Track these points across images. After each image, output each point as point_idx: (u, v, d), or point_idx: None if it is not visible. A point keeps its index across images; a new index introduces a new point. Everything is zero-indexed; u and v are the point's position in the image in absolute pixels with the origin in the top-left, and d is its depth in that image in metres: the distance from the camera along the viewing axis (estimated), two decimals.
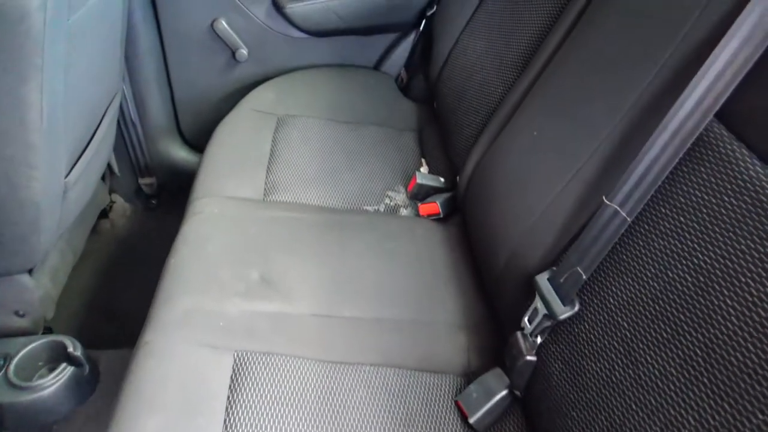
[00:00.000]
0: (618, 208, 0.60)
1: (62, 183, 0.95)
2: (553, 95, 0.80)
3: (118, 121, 1.35)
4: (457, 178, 1.06)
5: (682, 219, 0.54)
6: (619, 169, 0.63)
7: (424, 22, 1.39)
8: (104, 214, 1.50)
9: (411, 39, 1.45)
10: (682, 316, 0.51)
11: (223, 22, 1.34)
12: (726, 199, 0.51)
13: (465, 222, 1.01)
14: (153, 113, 1.43)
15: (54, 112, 0.82)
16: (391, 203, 1.09)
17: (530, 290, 0.72)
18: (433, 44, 1.32)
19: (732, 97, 0.52)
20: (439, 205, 1.03)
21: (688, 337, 0.50)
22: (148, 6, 1.29)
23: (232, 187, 1.04)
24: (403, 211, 1.08)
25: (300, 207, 1.02)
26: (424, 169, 1.20)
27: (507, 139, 0.88)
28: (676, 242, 0.54)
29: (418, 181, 1.08)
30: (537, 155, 0.78)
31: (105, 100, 1.12)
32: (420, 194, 1.10)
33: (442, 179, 1.10)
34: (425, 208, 1.05)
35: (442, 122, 1.23)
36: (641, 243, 0.58)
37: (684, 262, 0.53)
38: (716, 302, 0.49)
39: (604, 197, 0.62)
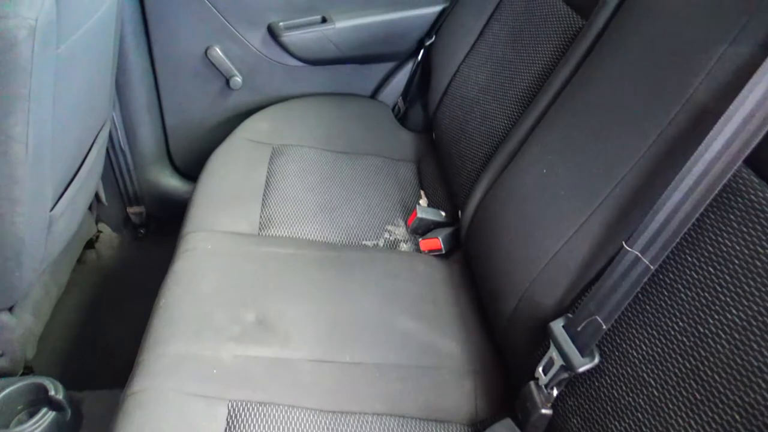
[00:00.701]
0: (639, 255, 0.57)
1: (47, 216, 0.90)
2: (563, 133, 0.77)
3: (107, 149, 1.31)
4: (459, 212, 1.03)
5: (711, 270, 0.51)
6: (639, 213, 0.61)
7: (422, 51, 1.37)
8: (90, 244, 1.44)
9: (408, 68, 1.43)
10: (717, 377, 0.48)
11: (218, 50, 1.31)
12: (760, 249, 0.48)
13: (468, 259, 0.97)
14: (143, 141, 1.39)
15: (40, 145, 0.78)
16: (391, 238, 1.05)
17: (543, 337, 0.69)
18: (432, 74, 1.30)
19: (763, 142, 0.49)
20: (440, 240, 1.00)
21: (725, 399, 0.47)
22: (140, 33, 1.26)
23: (225, 220, 1.00)
24: (403, 246, 1.04)
25: (297, 242, 0.98)
26: (423, 201, 1.17)
27: (513, 175, 0.85)
28: (706, 294, 0.51)
29: (419, 215, 1.05)
30: (547, 194, 0.75)
31: (94, 129, 1.08)
32: (420, 228, 1.07)
33: (443, 213, 1.07)
34: (426, 243, 1.02)
35: (442, 154, 1.20)
36: (666, 294, 0.55)
37: (716, 317, 0.49)
38: (755, 363, 0.45)
39: (623, 242, 0.59)
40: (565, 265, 0.68)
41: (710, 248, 0.52)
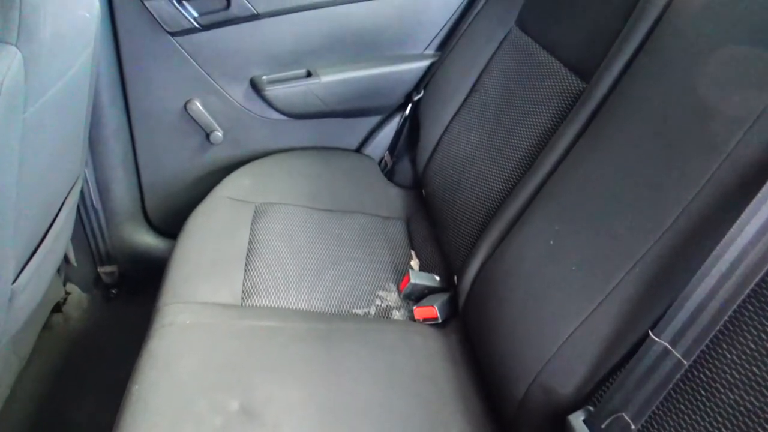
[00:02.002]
0: (669, 347, 0.52)
1: (8, 290, 0.82)
2: (571, 201, 0.73)
3: (78, 207, 1.23)
4: (455, 277, 0.97)
5: (756, 371, 0.46)
6: (664, 297, 0.56)
7: (410, 106, 1.34)
8: (57, 307, 1.35)
9: (396, 121, 1.40)
10: None
11: (198, 104, 1.26)
12: None
13: (467, 330, 0.91)
14: (117, 198, 1.32)
15: (4, 213, 0.71)
16: (383, 305, 0.99)
17: (560, 429, 0.63)
18: (421, 129, 1.26)
19: None
20: (437, 309, 0.94)
21: None
22: (117, 87, 1.21)
23: (205, 290, 0.93)
24: (396, 314, 0.98)
25: (282, 313, 0.91)
26: (414, 262, 1.11)
27: (517, 244, 0.80)
28: (752, 399, 0.46)
29: (412, 280, 0.99)
30: (556, 268, 0.70)
31: (64, 190, 1.01)
32: (414, 294, 1.01)
33: (437, 278, 1.02)
34: (421, 311, 0.96)
35: (434, 213, 1.15)
36: (704, 393, 0.50)
37: (765, 425, 0.44)
38: None
39: (650, 330, 0.54)
40: (583, 349, 0.62)
41: (752, 345, 0.47)
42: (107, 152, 1.25)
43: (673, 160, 0.61)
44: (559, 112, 0.87)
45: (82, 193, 1.24)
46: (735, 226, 0.49)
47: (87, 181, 1.24)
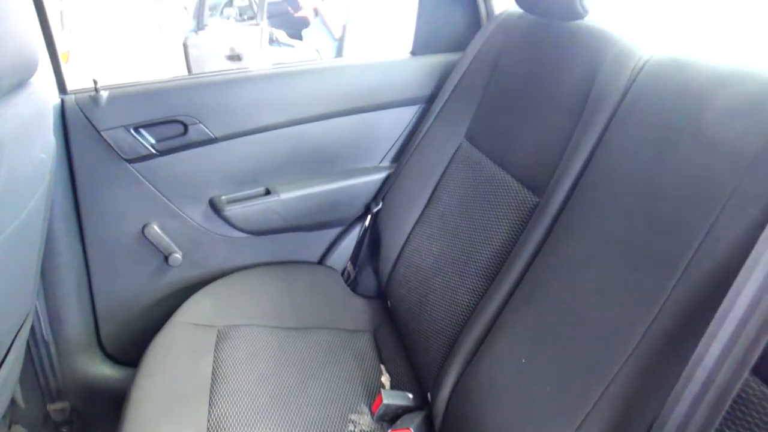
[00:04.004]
0: None
1: None
2: (537, 320, 0.74)
3: (27, 343, 1.17)
4: (428, 394, 0.95)
5: None
6: (645, 417, 0.56)
7: (369, 216, 1.36)
8: None
9: (356, 232, 1.41)
10: None
11: (156, 227, 1.25)
12: None
13: None
14: (70, 328, 1.26)
15: None
16: (356, 430, 0.95)
17: None
18: (382, 240, 1.28)
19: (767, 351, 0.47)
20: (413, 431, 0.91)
21: None
22: (71, 216, 1.19)
23: (168, 430, 0.88)
24: None
25: None
26: (385, 378, 1.08)
27: (489, 361, 0.79)
28: None
29: (384, 401, 0.96)
30: (532, 387, 0.70)
31: (12, 331, 0.95)
32: (387, 415, 0.97)
33: (410, 395, 0.99)
34: None
35: (401, 325, 1.14)
36: None
37: None
38: None
39: None
40: None
41: None
42: (60, 281, 1.21)
43: (631, 278, 0.63)
44: (516, 226, 0.90)
45: (32, 327, 1.18)
46: (699, 347, 0.50)
47: (38, 314, 1.19)
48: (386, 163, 1.38)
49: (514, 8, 1.14)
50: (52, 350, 1.25)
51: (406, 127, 1.35)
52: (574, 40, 0.93)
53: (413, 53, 1.38)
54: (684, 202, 0.62)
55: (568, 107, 0.87)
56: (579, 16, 0.88)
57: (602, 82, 0.82)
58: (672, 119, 0.69)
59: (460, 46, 1.27)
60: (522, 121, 0.98)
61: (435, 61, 1.33)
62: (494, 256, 0.92)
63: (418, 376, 1.05)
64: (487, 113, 1.10)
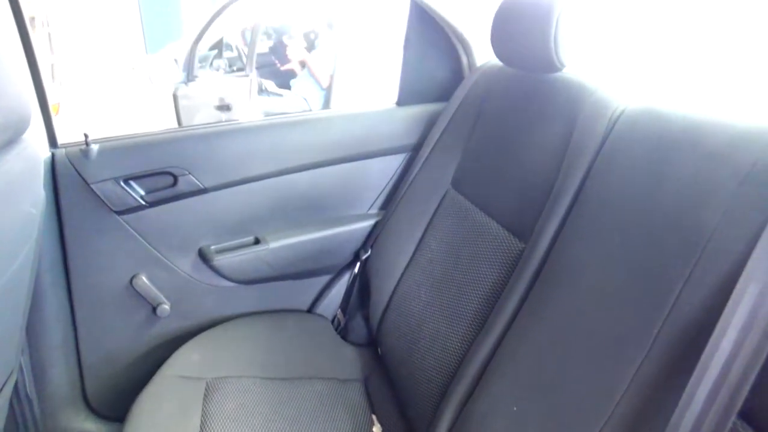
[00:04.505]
0: None
1: None
2: (526, 366, 0.74)
3: (10, 399, 1.14)
4: None
5: None
6: None
7: (358, 264, 1.37)
8: None
9: (346, 279, 1.41)
10: None
11: (144, 278, 1.24)
12: None
13: None
14: (54, 383, 1.23)
15: None
16: None
17: None
18: (371, 287, 1.28)
19: (753, 394, 0.47)
20: None
21: None
22: (59, 268, 1.18)
23: None
24: None
25: None
26: (377, 429, 1.07)
27: (481, 410, 0.79)
28: None
29: None
30: None
31: None
32: None
33: None
34: None
35: (392, 373, 1.13)
36: None
37: None
38: None
39: None
40: None
41: None
42: (46, 335, 1.19)
43: (618, 322, 0.64)
44: (503, 272, 0.91)
45: (15, 383, 1.16)
46: (685, 394, 0.51)
47: (22, 370, 1.17)
48: (374, 210, 1.40)
49: (495, 60, 1.19)
50: (36, 407, 1.22)
51: (393, 175, 1.37)
52: (552, 92, 0.96)
53: (398, 103, 1.42)
54: (663, 247, 0.63)
55: (549, 155, 0.90)
56: (556, 69, 0.92)
57: (581, 131, 0.85)
58: (649, 166, 0.71)
59: (444, 96, 1.31)
60: (505, 169, 1.01)
61: (420, 111, 1.36)
62: (483, 302, 0.92)
63: (410, 426, 1.04)
64: (471, 161, 1.13)
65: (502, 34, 1.00)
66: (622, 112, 0.82)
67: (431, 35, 1.33)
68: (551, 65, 0.90)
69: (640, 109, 0.81)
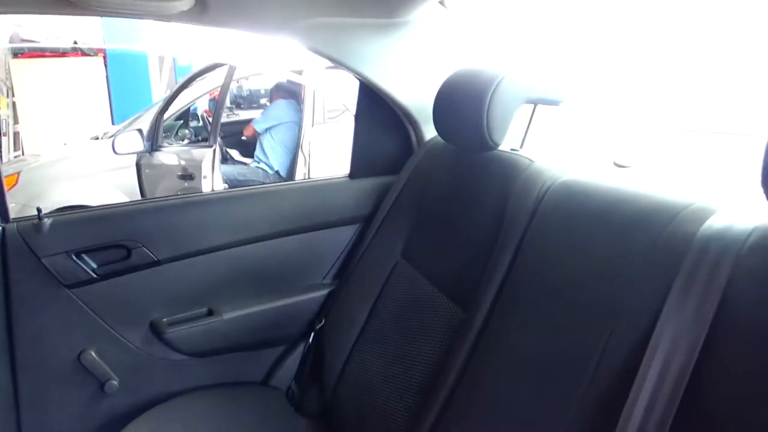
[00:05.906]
0: None
1: None
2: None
3: None
4: None
5: None
6: None
7: (312, 334, 1.37)
8: None
9: (300, 349, 1.41)
10: None
11: (92, 353, 1.22)
12: None
13: None
14: None
15: None
16: None
17: None
18: (325, 358, 1.28)
19: None
20: None
21: None
22: (3, 344, 1.15)
23: None
24: None
25: None
26: None
27: None
28: None
29: None
30: None
31: None
32: None
33: None
34: None
35: None
36: None
37: None
38: None
39: None
40: None
41: None
42: None
43: (543, 389, 0.67)
44: (446, 341, 0.93)
45: None
46: None
47: None
48: (329, 280, 1.42)
49: None
50: None
51: (346, 246, 1.40)
52: (488, 168, 1.02)
53: (351, 176, 1.47)
54: (582, 320, 0.67)
55: (486, 228, 0.95)
56: (490, 148, 0.98)
57: (513, 205, 0.90)
58: (569, 241, 0.76)
59: (394, 169, 1.37)
60: (448, 242, 1.05)
61: (372, 183, 1.41)
62: (428, 371, 0.94)
63: None
64: (419, 233, 1.17)
65: (443, 112, 1.07)
66: (549, 187, 0.87)
67: (379, 112, 1.40)
68: (485, 145, 0.96)
69: (566, 182, 0.87)
